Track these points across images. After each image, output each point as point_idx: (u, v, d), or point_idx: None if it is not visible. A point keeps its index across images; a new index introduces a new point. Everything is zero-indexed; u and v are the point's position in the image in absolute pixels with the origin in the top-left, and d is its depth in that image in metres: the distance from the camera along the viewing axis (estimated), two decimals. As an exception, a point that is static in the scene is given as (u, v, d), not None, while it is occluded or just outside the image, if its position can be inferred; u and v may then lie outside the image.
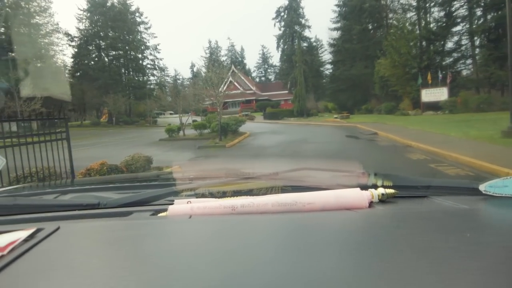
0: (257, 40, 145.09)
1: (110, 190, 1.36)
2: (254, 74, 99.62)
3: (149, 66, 48.98)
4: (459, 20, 26.27)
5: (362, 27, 34.08)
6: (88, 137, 23.89)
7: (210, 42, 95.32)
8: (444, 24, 26.47)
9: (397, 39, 27.77)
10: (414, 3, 28.21)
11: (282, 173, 1.05)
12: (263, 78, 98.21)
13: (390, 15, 33.88)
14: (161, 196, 1.01)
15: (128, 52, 46.03)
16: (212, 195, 0.97)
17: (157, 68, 49.04)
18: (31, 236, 0.66)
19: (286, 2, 54.71)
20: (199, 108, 29.03)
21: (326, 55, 59.68)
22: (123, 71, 44.12)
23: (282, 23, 55.61)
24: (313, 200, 0.80)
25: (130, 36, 45.83)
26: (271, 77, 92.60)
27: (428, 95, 26.28)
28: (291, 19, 53.79)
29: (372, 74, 33.15)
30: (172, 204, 0.88)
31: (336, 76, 38.34)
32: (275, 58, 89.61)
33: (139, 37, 48.75)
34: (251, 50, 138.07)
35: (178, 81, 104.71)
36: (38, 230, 0.68)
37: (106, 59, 44.23)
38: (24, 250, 0.59)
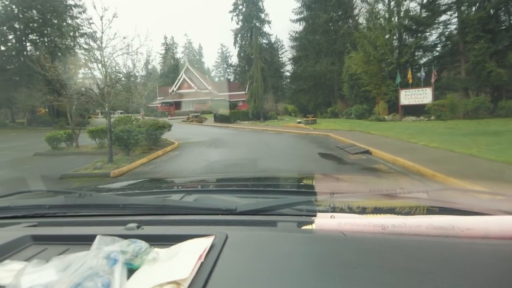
0: (216, 38, 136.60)
1: (228, 193, 1.32)
2: (212, 74, 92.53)
3: (82, 56, 39.87)
4: (444, 7, 21.03)
5: (329, 16, 28.16)
6: None
7: (165, 38, 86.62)
8: (428, 12, 21.12)
9: (372, 29, 22.11)
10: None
11: (431, 192, 0.94)
12: (222, 78, 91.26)
13: (360, 4, 28.35)
14: (295, 204, 0.96)
15: (55, 39, 36.91)
16: (351, 210, 0.89)
17: (93, 60, 40.02)
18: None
19: (245, -5, 47.90)
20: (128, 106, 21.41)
21: (287, 56, 54.39)
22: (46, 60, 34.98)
23: (240, 17, 48.77)
24: (473, 226, 0.70)
25: (56, 20, 36.71)
26: (231, 77, 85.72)
27: (408, 97, 20.85)
28: (250, 13, 47.20)
29: (339, 71, 27.42)
30: (314, 215, 0.85)
31: (297, 74, 32.22)
32: (235, 58, 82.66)
33: (70, 21, 39.64)
34: (210, 49, 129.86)
35: (132, 79, 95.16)
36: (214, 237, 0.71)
37: (24, 44, 34.87)
38: (215, 259, 0.63)
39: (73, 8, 39.62)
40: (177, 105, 57.31)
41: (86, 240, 0.73)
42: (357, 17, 28.82)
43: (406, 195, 0.97)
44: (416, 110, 20.90)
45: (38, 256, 0.73)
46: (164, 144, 13.32)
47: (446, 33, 21.85)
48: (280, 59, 59.14)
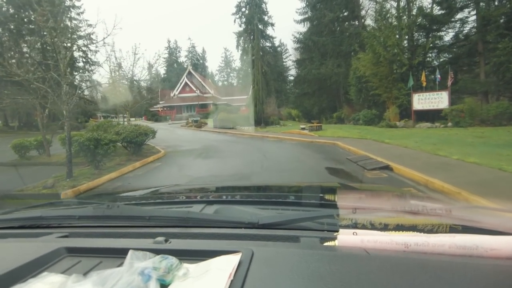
0: (220, 42, 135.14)
1: (249, 204, 1.32)
2: (216, 78, 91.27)
3: (80, 59, 38.28)
4: (461, 3, 19.14)
5: (335, 15, 26.30)
6: None
7: (169, 41, 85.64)
8: (444, 10, 19.24)
9: (382, 28, 20.31)
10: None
11: (454, 210, 0.92)
12: (225, 83, 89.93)
13: (368, 4, 26.50)
14: (317, 218, 0.97)
15: (51, 40, 35.51)
16: (373, 226, 0.87)
17: (90, 62, 38.38)
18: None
19: (248, -4, 46.28)
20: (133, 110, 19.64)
21: (291, 59, 53.00)
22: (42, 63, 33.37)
23: (243, 19, 47.14)
24: (497, 246, 0.69)
25: (51, 20, 35.29)
26: (234, 81, 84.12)
27: (422, 101, 18.94)
28: (253, 15, 45.54)
29: (346, 74, 25.55)
30: (336, 231, 0.85)
31: (301, 77, 30.34)
32: (239, 62, 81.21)
33: (68, 22, 38.35)
34: (214, 53, 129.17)
35: (135, 83, 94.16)
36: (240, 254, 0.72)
37: (20, 46, 33.48)
38: (243, 277, 0.64)
39: (71, 10, 38.46)
40: (179, 109, 55.88)
41: (118, 254, 0.77)
42: (363, 19, 26.99)
43: (429, 212, 0.92)
44: (429, 116, 19.05)
45: (74, 269, 0.76)
46: (148, 153, 11.60)
47: (464, 31, 19.93)
48: (284, 63, 57.54)
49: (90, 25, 39.88)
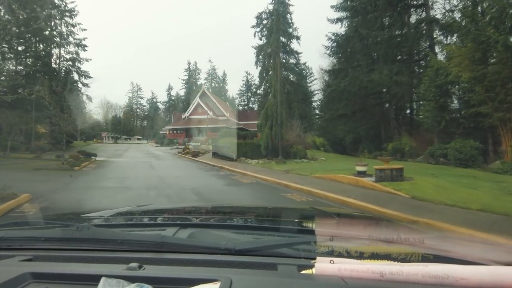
0: (241, 65, 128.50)
1: (224, 228, 1.25)
2: (236, 102, 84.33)
3: (68, 68, 31.21)
4: None
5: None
6: None
7: (189, 63, 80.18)
8: None
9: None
10: None
11: (427, 239, 0.95)
12: (246, 107, 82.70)
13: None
14: (294, 244, 0.94)
15: (37, 45, 28.82)
16: (349, 254, 0.86)
17: (80, 73, 31.31)
18: None
19: (271, 7, 38.67)
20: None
21: (316, 85, 45.63)
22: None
23: (264, 32, 39.51)
24: (467, 276, 0.69)
25: (40, 23, 28.79)
26: (255, 106, 76.52)
27: None
28: (276, 26, 37.97)
29: (408, 84, 16.53)
30: (313, 258, 0.82)
31: (337, 93, 21.37)
32: (258, 81, 73.44)
33: (61, 28, 31.92)
34: (235, 77, 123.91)
35: (154, 104, 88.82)
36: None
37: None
38: None
39: (64, 14, 32.04)
40: (189, 132, 48.26)
41: (88, 280, 0.72)
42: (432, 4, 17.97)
43: (403, 241, 0.94)
44: None
45: None
46: None
47: None
48: (310, 86, 49.31)
49: (84, 30, 33.01)
